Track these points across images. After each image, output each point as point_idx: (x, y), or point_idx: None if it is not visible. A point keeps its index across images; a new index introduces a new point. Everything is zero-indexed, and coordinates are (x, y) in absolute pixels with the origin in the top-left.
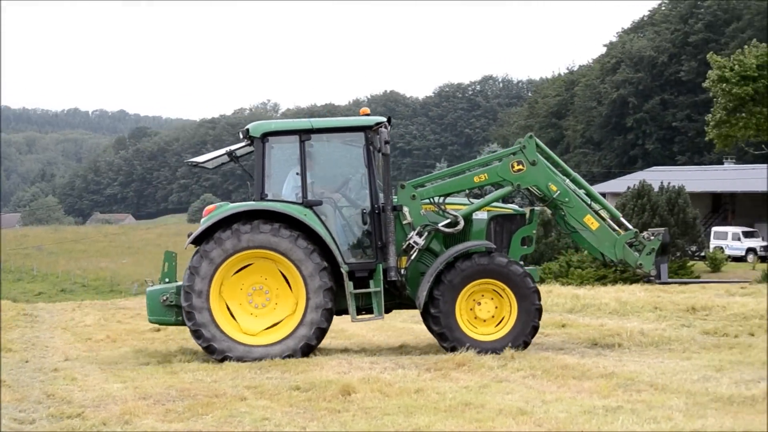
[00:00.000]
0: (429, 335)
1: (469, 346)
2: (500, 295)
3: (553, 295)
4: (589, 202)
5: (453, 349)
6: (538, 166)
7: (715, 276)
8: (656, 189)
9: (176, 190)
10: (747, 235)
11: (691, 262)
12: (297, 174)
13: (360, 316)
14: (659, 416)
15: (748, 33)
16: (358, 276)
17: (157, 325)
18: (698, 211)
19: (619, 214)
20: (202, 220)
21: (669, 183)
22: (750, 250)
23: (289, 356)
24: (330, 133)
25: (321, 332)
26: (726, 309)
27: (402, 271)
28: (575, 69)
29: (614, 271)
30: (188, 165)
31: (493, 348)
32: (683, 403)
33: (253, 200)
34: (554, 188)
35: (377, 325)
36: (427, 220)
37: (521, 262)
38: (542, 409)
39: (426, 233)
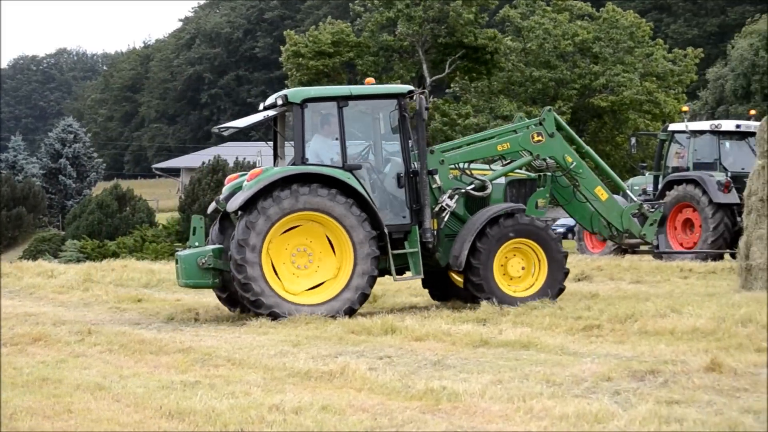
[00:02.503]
0: (8, 310)
1: (501, 302)
2: (529, 256)
3: (128, 269)
4: None
5: (487, 300)
6: (555, 139)
7: None
8: (231, 164)
9: None
10: None
11: None
12: (335, 139)
13: (400, 276)
14: (237, 391)
15: (324, 10)
16: (393, 238)
17: None
18: None
19: (624, 186)
20: (248, 183)
21: (245, 158)
22: None
23: (333, 317)
24: (366, 99)
25: (364, 297)
26: None
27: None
28: (151, 43)
29: None
30: (221, 130)
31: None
32: (261, 378)
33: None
34: (570, 159)
35: None
36: (455, 183)
37: None
38: (120, 384)
39: (456, 196)
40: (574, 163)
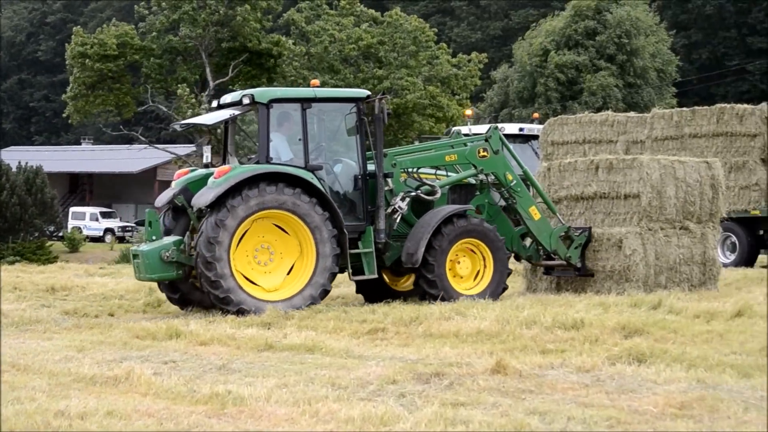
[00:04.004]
0: None
1: (451, 298)
2: (474, 254)
3: None
4: None
5: (443, 299)
6: (499, 156)
7: (74, 256)
8: (14, 169)
9: None
10: (105, 215)
11: (50, 243)
12: (299, 140)
13: (355, 276)
14: (23, 396)
15: (107, 13)
16: (348, 238)
17: None
18: (56, 191)
19: (555, 208)
20: (216, 181)
21: (27, 163)
22: (108, 230)
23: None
24: (328, 102)
25: (325, 293)
26: (85, 289)
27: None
28: None
29: None
30: (183, 126)
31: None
32: (46, 383)
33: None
34: (510, 177)
35: None
36: (405, 187)
37: None
38: None
39: (408, 199)
40: (514, 182)
